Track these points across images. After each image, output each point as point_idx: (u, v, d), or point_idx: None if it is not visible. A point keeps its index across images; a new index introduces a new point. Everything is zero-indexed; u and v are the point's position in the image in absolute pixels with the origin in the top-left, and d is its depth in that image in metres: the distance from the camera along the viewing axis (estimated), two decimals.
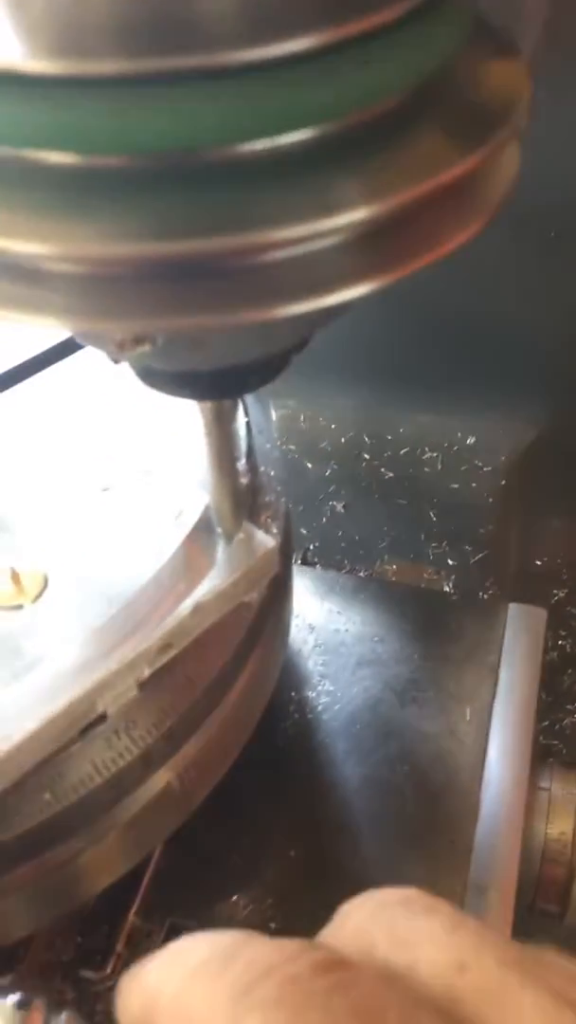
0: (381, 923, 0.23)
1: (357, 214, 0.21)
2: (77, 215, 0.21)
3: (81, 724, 0.32)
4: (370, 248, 0.22)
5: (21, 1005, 0.30)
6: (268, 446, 0.42)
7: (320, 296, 0.22)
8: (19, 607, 0.34)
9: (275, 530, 0.38)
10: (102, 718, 0.32)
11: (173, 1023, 0.22)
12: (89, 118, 0.20)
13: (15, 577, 0.34)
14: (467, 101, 0.23)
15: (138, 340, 0.23)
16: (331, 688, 0.49)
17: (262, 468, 0.40)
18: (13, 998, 0.31)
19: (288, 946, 0.22)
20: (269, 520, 0.38)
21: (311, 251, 0.22)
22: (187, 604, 0.33)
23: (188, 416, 0.37)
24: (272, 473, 0.40)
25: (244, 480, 0.37)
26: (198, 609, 0.33)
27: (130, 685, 0.32)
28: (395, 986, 0.21)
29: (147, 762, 0.34)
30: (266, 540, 0.35)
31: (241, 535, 0.35)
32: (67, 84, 0.20)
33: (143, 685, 0.33)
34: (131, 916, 0.40)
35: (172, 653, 0.33)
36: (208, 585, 0.34)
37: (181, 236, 0.21)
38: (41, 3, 0.20)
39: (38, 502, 0.38)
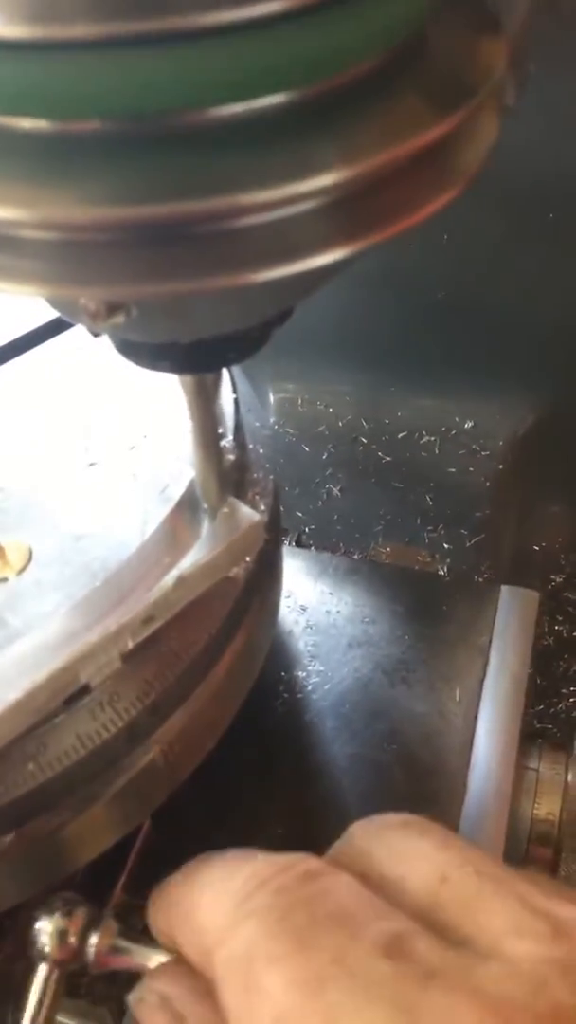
0: (381, 841, 0.27)
1: (331, 177, 0.21)
2: (50, 181, 0.21)
3: (64, 695, 0.32)
4: (345, 213, 0.22)
5: (66, 913, 0.33)
6: (257, 424, 0.42)
7: (294, 261, 0.22)
8: (3, 580, 0.34)
9: (263, 507, 0.38)
10: (85, 690, 0.33)
11: (188, 932, 0.27)
12: (59, 83, 0.20)
13: (0, 551, 0.34)
14: (443, 69, 0.23)
15: (112, 310, 0.23)
16: (321, 668, 0.49)
17: (251, 445, 0.40)
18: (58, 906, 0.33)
19: (281, 860, 0.27)
20: (257, 497, 0.38)
21: (285, 215, 0.22)
22: (170, 576, 0.33)
23: (173, 392, 0.37)
24: (261, 451, 0.40)
25: (232, 456, 0.37)
26: (181, 582, 0.33)
27: (113, 657, 0.32)
28: (376, 892, 0.25)
29: (132, 735, 0.34)
30: (251, 514, 0.35)
31: (226, 509, 0.35)
32: (37, 49, 0.20)
33: (127, 657, 0.33)
34: (118, 891, 0.41)
35: (155, 625, 0.33)
36: (192, 558, 0.34)
37: (154, 200, 0.21)
38: None
39: (23, 477, 0.38)
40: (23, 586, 0.34)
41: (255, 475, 0.39)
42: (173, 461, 0.36)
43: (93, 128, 0.21)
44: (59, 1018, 0.41)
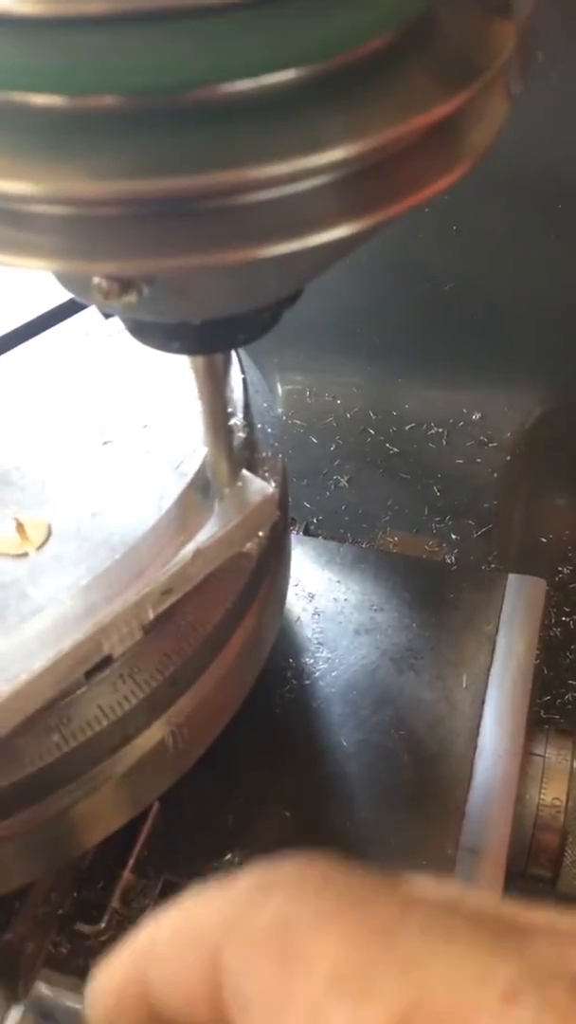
0: None
1: (340, 152, 0.21)
2: (62, 155, 0.21)
3: (87, 665, 0.32)
4: (353, 189, 0.22)
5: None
6: (265, 404, 0.42)
7: (303, 237, 0.22)
8: (24, 555, 0.35)
9: (273, 483, 0.38)
10: (108, 660, 0.33)
11: (178, 954, 0.20)
12: (74, 59, 0.20)
13: (19, 527, 0.35)
14: (452, 48, 0.23)
15: (124, 288, 0.23)
16: (329, 655, 0.49)
17: (259, 425, 0.40)
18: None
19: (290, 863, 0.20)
20: (267, 475, 0.38)
21: (295, 191, 0.22)
22: (188, 549, 0.34)
23: (183, 372, 0.38)
24: (269, 430, 0.41)
25: (242, 435, 0.38)
26: (199, 554, 0.34)
27: (135, 628, 0.33)
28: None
29: (152, 706, 0.35)
30: (264, 488, 0.36)
31: (240, 484, 0.35)
32: (51, 25, 0.20)
33: (147, 629, 0.34)
34: (127, 872, 0.41)
35: (174, 598, 0.34)
36: (208, 532, 0.34)
37: (165, 174, 0.21)
38: None
39: (41, 457, 0.39)
40: (44, 561, 0.34)
41: (264, 454, 0.39)
42: (186, 438, 0.37)
43: (106, 104, 0.21)
44: (69, 1004, 0.41)
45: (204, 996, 0.19)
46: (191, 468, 0.36)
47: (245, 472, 0.36)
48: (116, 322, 0.29)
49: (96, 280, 0.23)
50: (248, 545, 0.37)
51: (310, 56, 0.21)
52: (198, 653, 0.35)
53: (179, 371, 0.39)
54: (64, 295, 0.42)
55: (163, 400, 0.40)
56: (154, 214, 0.22)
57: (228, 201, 0.22)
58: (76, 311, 0.43)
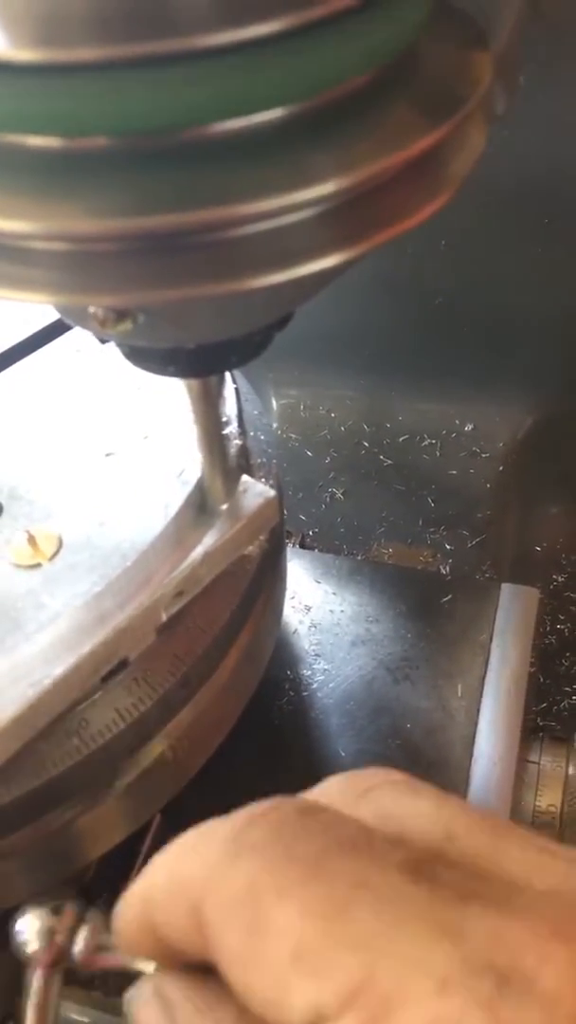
0: (368, 799, 0.23)
1: (326, 187, 0.22)
2: (58, 194, 0.22)
3: (106, 668, 0.34)
4: (340, 220, 0.23)
5: (55, 910, 0.31)
6: (256, 412, 0.43)
7: (292, 267, 0.23)
8: (37, 565, 0.36)
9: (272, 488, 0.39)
10: (124, 663, 0.34)
11: (170, 901, 0.22)
12: (69, 104, 0.21)
13: (31, 539, 0.36)
14: (434, 82, 0.25)
15: (120, 317, 0.24)
16: (326, 667, 0.50)
17: (252, 433, 0.42)
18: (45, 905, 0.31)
19: (267, 801, 0.23)
20: (264, 479, 0.40)
21: (283, 224, 0.23)
22: (197, 553, 0.35)
23: (177, 384, 0.39)
24: (262, 437, 0.42)
25: (238, 442, 0.39)
26: (207, 557, 0.35)
27: (148, 631, 0.34)
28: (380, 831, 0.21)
29: (165, 710, 0.36)
30: (266, 491, 0.37)
31: (242, 488, 0.37)
32: (48, 71, 0.21)
33: (160, 630, 0.35)
34: (129, 885, 0.41)
35: (185, 599, 0.35)
36: (214, 535, 0.36)
37: (158, 211, 0.22)
38: None
39: (46, 471, 0.40)
40: (57, 570, 0.35)
41: (259, 460, 0.41)
42: (186, 448, 0.38)
43: (100, 144, 0.22)
44: (74, 1016, 0.41)
45: (195, 937, 0.21)
46: (193, 476, 0.37)
47: (246, 477, 0.37)
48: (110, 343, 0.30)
49: (92, 310, 0.24)
50: (250, 548, 0.38)
51: (295, 96, 0.22)
52: (203, 659, 0.36)
53: (173, 384, 0.40)
54: (49, 317, 0.43)
55: (161, 412, 0.41)
56: (148, 249, 0.23)
57: (219, 235, 0.23)
58: (68, 329, 0.44)
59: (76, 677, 0.33)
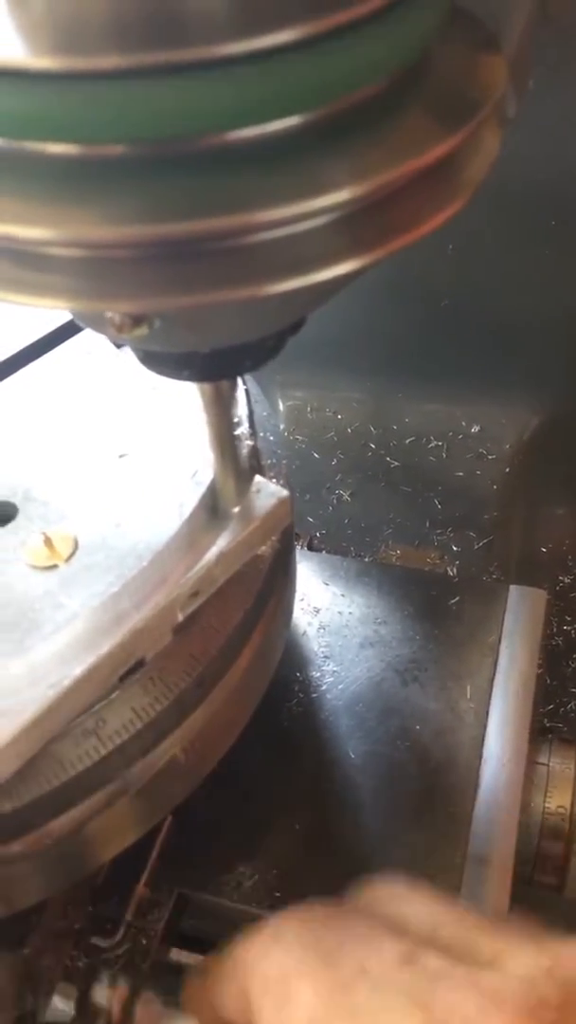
0: (376, 904, 0.32)
1: (341, 195, 0.22)
2: (78, 201, 0.22)
3: (124, 668, 0.34)
4: (354, 227, 0.23)
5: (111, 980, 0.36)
6: (265, 413, 0.44)
7: (307, 274, 0.23)
8: (54, 567, 0.36)
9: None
10: (141, 663, 0.35)
11: (226, 982, 0.31)
12: (84, 111, 0.21)
13: (47, 540, 0.36)
14: (447, 88, 0.25)
15: (136, 322, 0.24)
16: (335, 668, 0.50)
17: (261, 434, 0.42)
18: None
19: (303, 904, 0.32)
20: (274, 480, 0.40)
21: (298, 231, 0.23)
22: (212, 553, 0.35)
23: (188, 386, 0.39)
24: (271, 438, 0.42)
25: (249, 443, 0.39)
26: (222, 557, 0.35)
27: (165, 631, 0.35)
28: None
29: (179, 711, 0.36)
30: (279, 491, 0.37)
31: (256, 489, 0.37)
32: (66, 79, 0.21)
33: (176, 630, 0.35)
34: (140, 887, 0.42)
35: (201, 599, 0.36)
36: (229, 536, 0.36)
37: (175, 218, 0.22)
38: (41, 3, 0.21)
39: (60, 473, 0.40)
40: (74, 571, 0.36)
41: (270, 460, 0.41)
42: (198, 448, 0.38)
43: (116, 152, 0.22)
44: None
45: (246, 1013, 0.29)
46: (206, 477, 0.37)
47: (259, 478, 0.38)
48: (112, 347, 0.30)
49: (109, 315, 0.24)
50: (262, 548, 0.38)
51: (310, 103, 0.22)
52: (216, 660, 0.36)
53: (185, 385, 0.40)
54: (64, 317, 0.43)
55: (172, 413, 0.41)
56: (165, 255, 0.23)
57: (235, 242, 0.23)
58: (78, 332, 0.45)
59: (95, 677, 0.33)
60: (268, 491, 0.37)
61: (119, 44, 0.21)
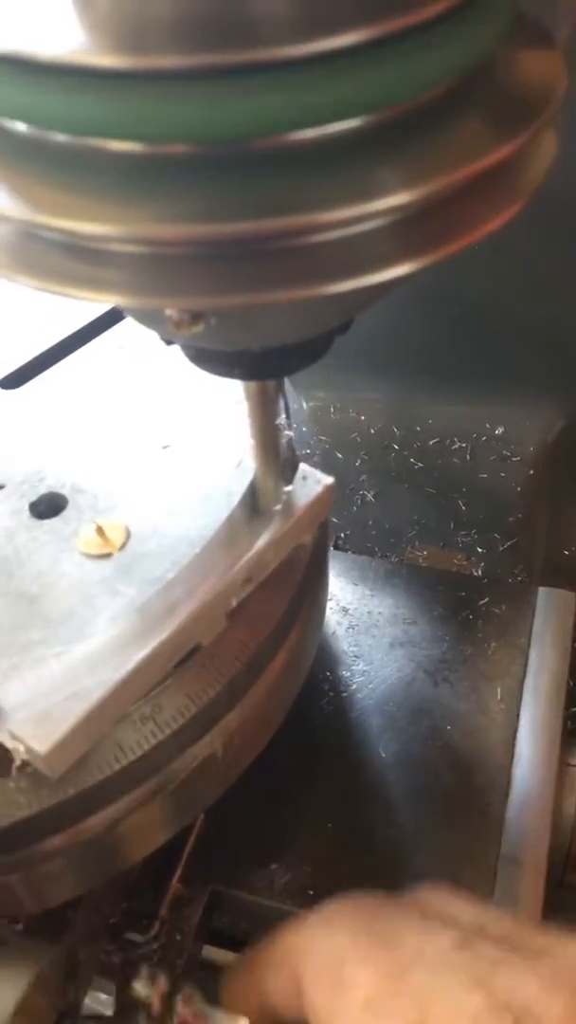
0: (420, 903, 0.32)
1: (399, 198, 0.22)
2: (139, 199, 0.22)
3: (181, 654, 0.35)
4: (411, 231, 0.23)
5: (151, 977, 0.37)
6: (296, 406, 0.44)
7: (363, 275, 0.23)
8: (108, 555, 0.36)
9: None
10: (197, 648, 0.35)
11: (278, 967, 0.31)
12: (151, 111, 0.21)
13: (99, 530, 0.37)
14: (505, 91, 0.25)
15: (194, 319, 0.25)
16: (365, 668, 0.50)
17: (294, 425, 0.42)
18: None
19: (352, 894, 0.33)
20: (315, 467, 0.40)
21: (355, 233, 0.23)
22: (263, 539, 0.36)
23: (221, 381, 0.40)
24: (304, 429, 0.43)
25: (289, 433, 0.39)
26: (273, 543, 0.36)
27: (220, 616, 0.35)
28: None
29: (232, 693, 0.37)
30: (325, 478, 0.38)
31: (302, 476, 0.38)
32: (130, 78, 0.21)
33: (230, 616, 0.36)
34: (174, 883, 0.42)
35: (253, 585, 0.36)
36: (278, 522, 0.36)
37: (236, 218, 0.22)
38: (107, 2, 0.21)
39: (106, 464, 0.40)
40: (128, 559, 0.36)
41: (305, 451, 0.41)
42: (241, 437, 0.38)
43: (179, 151, 0.22)
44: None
45: (296, 998, 0.29)
46: (252, 464, 0.37)
47: (304, 465, 0.38)
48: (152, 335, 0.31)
49: (169, 312, 0.24)
50: (305, 538, 0.39)
51: (374, 105, 0.22)
52: (255, 656, 0.36)
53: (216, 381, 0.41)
54: (98, 309, 0.44)
55: (212, 405, 0.42)
56: (223, 254, 0.23)
57: (294, 242, 0.23)
58: (114, 324, 0.45)
59: (155, 662, 0.33)
60: (314, 478, 0.38)
61: (183, 44, 0.21)
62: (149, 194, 0.22)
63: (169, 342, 0.29)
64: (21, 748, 0.32)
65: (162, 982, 0.35)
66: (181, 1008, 0.34)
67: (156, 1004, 0.34)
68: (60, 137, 0.23)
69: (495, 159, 0.23)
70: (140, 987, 0.35)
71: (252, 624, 0.36)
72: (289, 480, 0.37)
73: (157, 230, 0.22)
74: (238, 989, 0.34)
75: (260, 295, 0.23)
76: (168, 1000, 0.34)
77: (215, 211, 0.22)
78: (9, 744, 0.32)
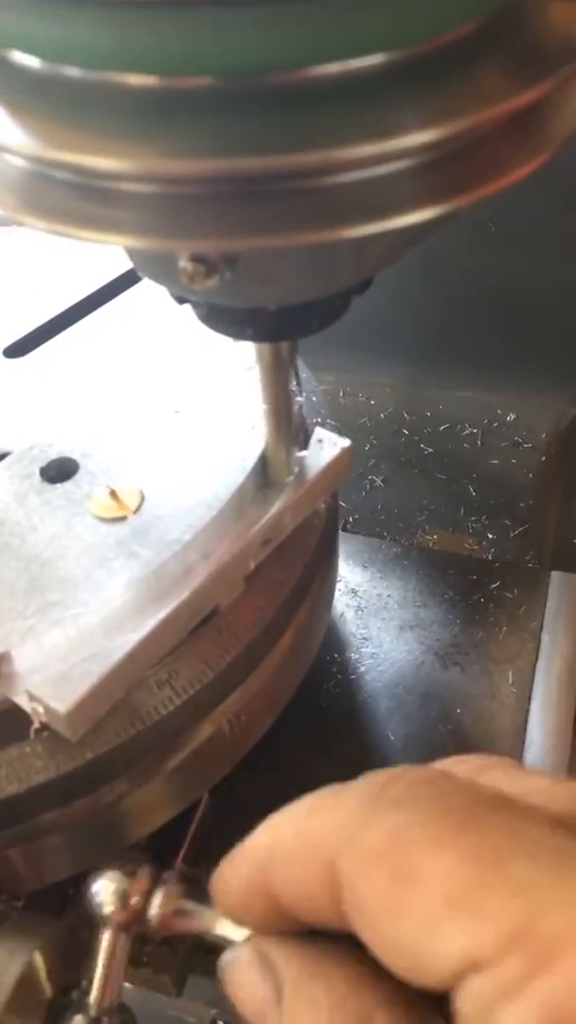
0: (484, 778, 0.23)
1: (420, 137, 0.21)
2: (152, 134, 0.21)
3: (199, 617, 0.34)
4: (437, 174, 0.22)
5: (130, 873, 0.31)
6: (304, 375, 0.43)
7: (384, 219, 0.22)
8: (122, 518, 0.36)
9: None
10: (214, 612, 0.35)
11: (298, 858, 0.22)
12: (167, 40, 0.21)
13: (113, 494, 0.36)
14: (534, 38, 0.24)
15: (209, 272, 0.24)
16: (374, 651, 0.49)
17: (304, 394, 0.42)
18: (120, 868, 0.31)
19: (393, 768, 0.23)
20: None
21: (377, 175, 0.22)
22: (280, 501, 0.35)
23: (229, 346, 0.39)
24: (314, 399, 0.42)
25: (300, 399, 0.39)
26: (291, 506, 0.36)
27: (238, 579, 0.35)
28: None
29: (249, 659, 0.36)
30: (342, 440, 0.38)
31: (318, 439, 0.38)
32: (148, 8, 0.20)
33: (247, 579, 0.35)
34: (179, 863, 0.41)
35: (270, 548, 0.36)
36: (297, 483, 0.36)
37: (250, 154, 0.21)
38: None
39: (118, 429, 0.40)
40: (144, 522, 0.36)
41: (315, 420, 0.41)
42: (253, 401, 0.38)
43: (198, 84, 0.21)
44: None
45: (324, 896, 0.21)
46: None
47: (319, 428, 0.38)
48: (155, 303, 0.30)
49: (182, 264, 0.23)
50: (320, 504, 0.38)
51: (399, 41, 0.21)
52: (263, 634, 0.36)
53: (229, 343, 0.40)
54: (101, 279, 0.43)
55: (223, 370, 0.41)
56: (237, 193, 0.22)
57: (311, 182, 0.22)
58: (124, 289, 0.45)
59: (174, 625, 0.33)
60: (330, 440, 0.37)
61: None
62: (163, 130, 0.21)
63: (182, 300, 0.28)
64: (41, 709, 0.31)
65: (143, 876, 0.30)
66: (160, 905, 0.29)
67: (133, 900, 0.29)
68: (74, 72, 0.22)
69: (519, 103, 0.22)
70: (111, 880, 0.31)
71: (268, 590, 0.36)
72: (303, 446, 0.36)
73: (170, 165, 0.21)
74: (235, 888, 0.25)
75: (277, 238, 0.22)
76: (146, 897, 0.30)
77: (230, 147, 0.21)
78: (27, 706, 0.31)
